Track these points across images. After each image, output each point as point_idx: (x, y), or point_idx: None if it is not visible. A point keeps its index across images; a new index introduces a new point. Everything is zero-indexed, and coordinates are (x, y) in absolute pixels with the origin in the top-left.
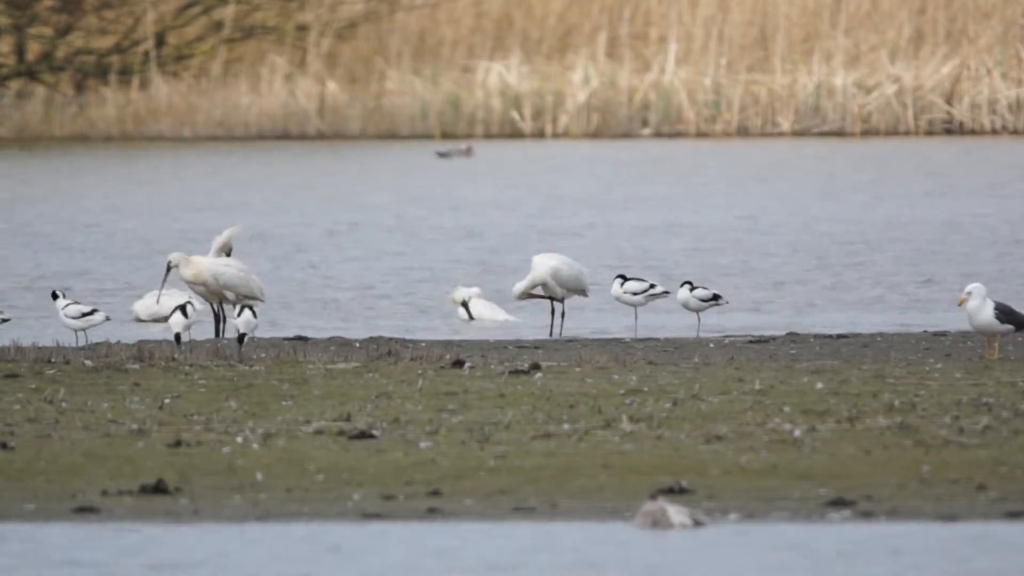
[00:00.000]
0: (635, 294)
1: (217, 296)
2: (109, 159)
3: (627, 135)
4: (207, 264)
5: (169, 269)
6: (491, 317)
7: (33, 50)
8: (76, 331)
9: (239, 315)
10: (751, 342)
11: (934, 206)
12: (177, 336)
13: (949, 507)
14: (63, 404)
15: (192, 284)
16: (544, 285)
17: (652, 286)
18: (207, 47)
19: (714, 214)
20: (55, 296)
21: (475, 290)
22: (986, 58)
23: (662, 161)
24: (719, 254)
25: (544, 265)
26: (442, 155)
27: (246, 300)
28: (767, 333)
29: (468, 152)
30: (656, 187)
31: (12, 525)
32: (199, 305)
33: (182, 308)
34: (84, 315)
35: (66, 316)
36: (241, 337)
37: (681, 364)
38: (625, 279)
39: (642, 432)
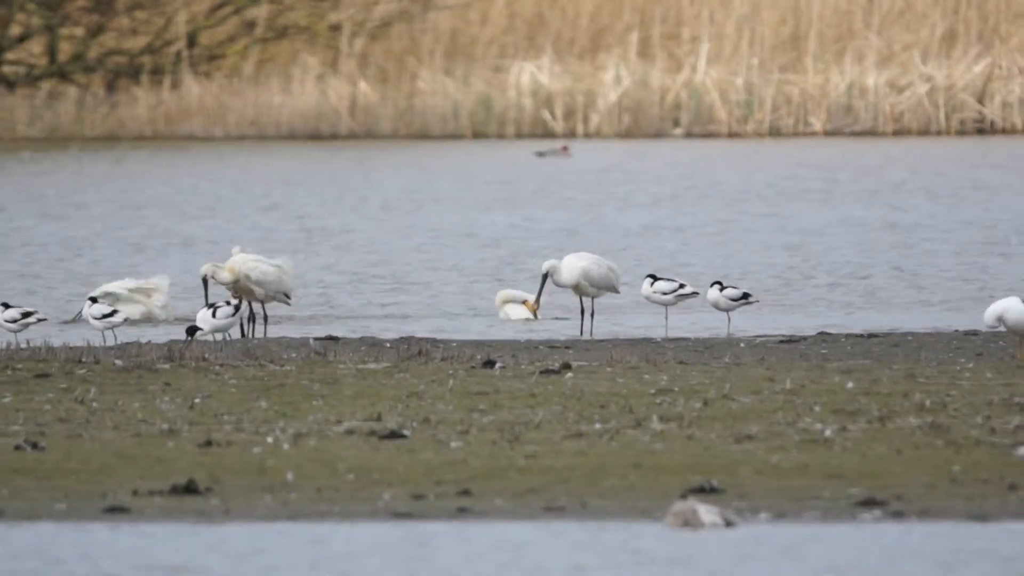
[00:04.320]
0: (665, 294)
1: (251, 295)
2: (141, 159)
3: (658, 135)
4: (240, 263)
5: (207, 282)
6: (524, 315)
7: (65, 50)
8: (102, 331)
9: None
10: (782, 342)
11: (969, 205)
12: (192, 329)
13: (980, 507)
14: (94, 404)
15: (230, 286)
16: (576, 286)
17: (682, 286)
18: (239, 47)
19: (738, 212)
20: (93, 300)
21: (516, 293)
22: (1018, 57)
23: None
24: (750, 253)
25: (574, 267)
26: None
27: (277, 298)
28: (798, 333)
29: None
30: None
31: (43, 525)
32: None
33: (213, 307)
34: (105, 316)
35: (91, 317)
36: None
37: (711, 364)
38: (655, 279)
39: (673, 432)
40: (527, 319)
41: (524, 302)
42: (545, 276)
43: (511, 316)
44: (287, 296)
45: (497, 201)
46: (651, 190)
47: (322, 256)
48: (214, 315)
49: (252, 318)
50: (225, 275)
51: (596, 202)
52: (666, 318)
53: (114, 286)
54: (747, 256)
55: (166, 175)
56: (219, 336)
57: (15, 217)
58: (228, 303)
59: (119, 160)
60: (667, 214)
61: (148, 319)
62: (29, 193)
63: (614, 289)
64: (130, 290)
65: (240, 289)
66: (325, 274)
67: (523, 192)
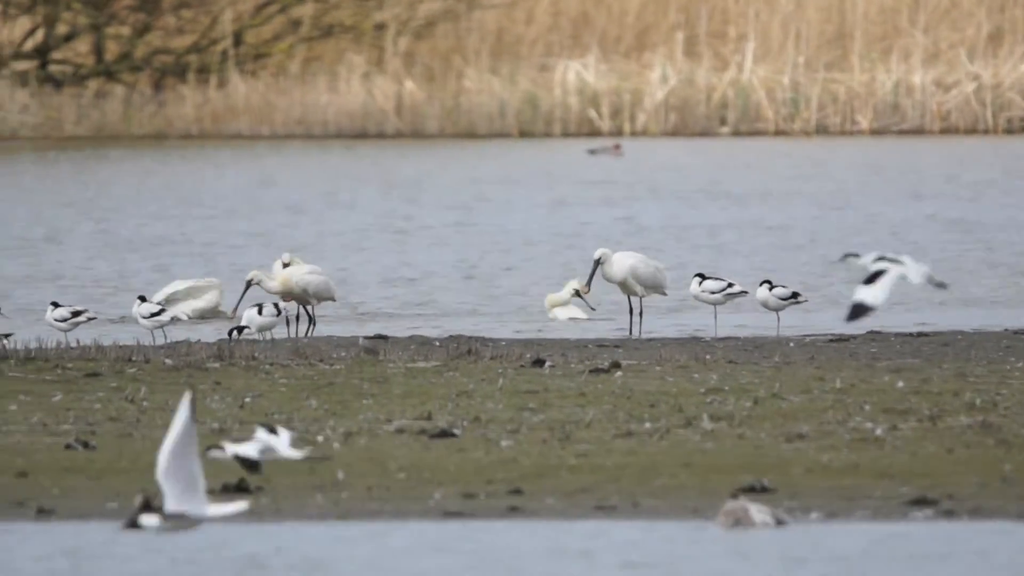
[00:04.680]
0: (713, 293)
1: (301, 300)
2: (188, 158)
3: (705, 133)
4: (295, 276)
5: (249, 286)
6: (573, 315)
7: (111, 50)
8: (151, 330)
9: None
10: (831, 341)
11: (1015, 205)
12: (239, 329)
13: None
14: (144, 403)
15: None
16: (623, 283)
17: (730, 285)
18: (285, 46)
19: (797, 211)
20: (142, 299)
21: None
22: None
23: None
24: (800, 251)
25: (623, 264)
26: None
27: (325, 302)
28: (847, 332)
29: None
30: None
31: (95, 524)
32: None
33: (259, 307)
34: (153, 315)
35: (139, 316)
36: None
37: (761, 363)
38: (704, 278)
39: (723, 431)
40: (575, 318)
41: (575, 292)
42: (597, 262)
43: (559, 317)
44: (333, 299)
45: (559, 199)
46: (710, 189)
47: (386, 254)
48: (260, 313)
49: (310, 319)
50: (273, 285)
51: (660, 200)
52: (715, 317)
53: (170, 289)
54: (800, 254)
55: (226, 173)
56: (265, 335)
57: (89, 215)
58: (275, 304)
59: (176, 158)
60: (730, 212)
61: (209, 316)
62: (95, 191)
63: (661, 289)
64: (187, 288)
65: (292, 297)
66: (381, 272)
67: (583, 190)
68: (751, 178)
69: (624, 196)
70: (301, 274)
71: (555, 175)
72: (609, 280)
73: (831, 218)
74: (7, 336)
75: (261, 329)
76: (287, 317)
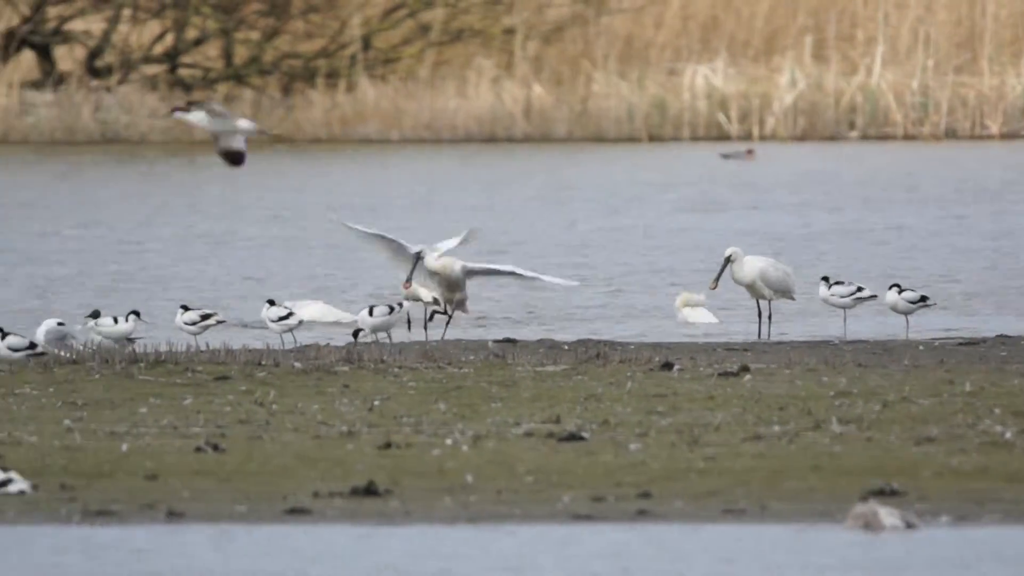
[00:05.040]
0: (842, 297)
1: (449, 290)
2: (317, 161)
3: (834, 137)
4: (456, 265)
5: (418, 259)
6: (706, 320)
7: (240, 54)
8: (280, 334)
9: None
10: (961, 344)
11: None
12: (356, 332)
13: None
14: (273, 406)
15: (435, 275)
16: (751, 286)
17: (859, 289)
18: (414, 50)
19: (925, 216)
20: (271, 303)
21: (699, 297)
22: None
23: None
24: (930, 256)
25: (753, 266)
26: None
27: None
28: (977, 335)
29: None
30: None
31: (225, 526)
32: (407, 304)
33: (369, 308)
34: (281, 319)
35: (268, 320)
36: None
37: (890, 366)
38: (832, 282)
39: (852, 434)
40: (708, 322)
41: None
42: (727, 260)
43: (689, 320)
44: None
45: (694, 204)
46: (851, 193)
47: (524, 257)
48: (371, 314)
49: (439, 314)
50: (435, 264)
51: (802, 205)
52: (844, 321)
53: (309, 313)
54: (932, 257)
55: (382, 175)
56: (382, 336)
57: (250, 219)
58: (393, 306)
59: (324, 161)
60: (871, 217)
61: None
62: (248, 196)
63: (789, 294)
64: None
65: (443, 284)
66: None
67: (719, 194)
68: (893, 182)
69: (763, 200)
70: (461, 266)
71: (690, 179)
72: (738, 282)
73: (997, 223)
74: (133, 341)
75: (375, 330)
76: (409, 319)
